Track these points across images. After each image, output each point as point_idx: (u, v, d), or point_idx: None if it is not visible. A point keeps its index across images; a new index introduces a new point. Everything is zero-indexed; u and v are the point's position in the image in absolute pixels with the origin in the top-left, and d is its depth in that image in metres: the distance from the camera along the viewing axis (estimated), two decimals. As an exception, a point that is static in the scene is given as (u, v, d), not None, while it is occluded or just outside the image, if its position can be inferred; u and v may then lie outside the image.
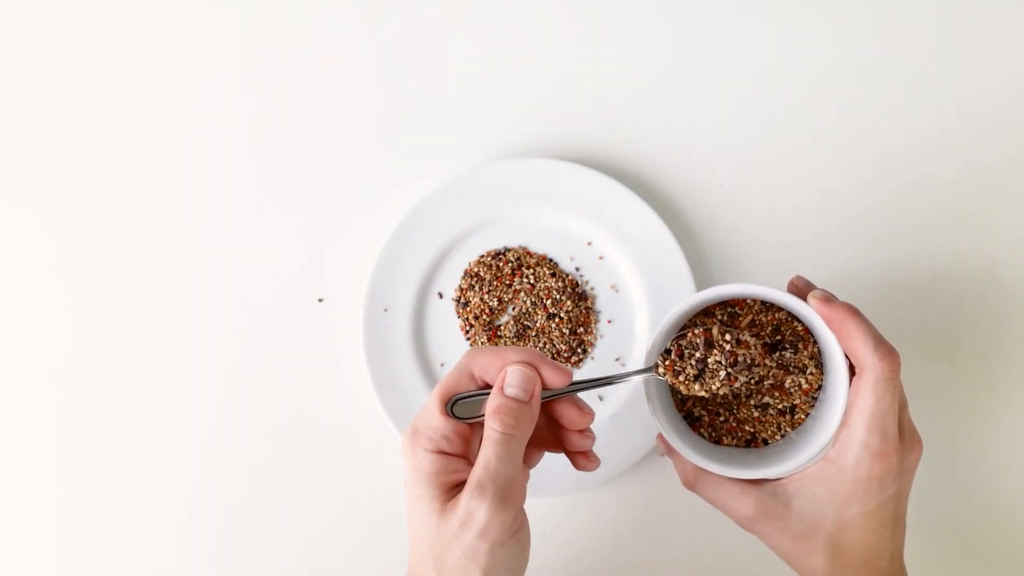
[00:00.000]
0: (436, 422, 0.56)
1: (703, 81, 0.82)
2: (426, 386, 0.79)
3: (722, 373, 0.61)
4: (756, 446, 0.64)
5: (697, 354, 0.61)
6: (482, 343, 0.79)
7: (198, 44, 0.84)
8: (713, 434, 0.65)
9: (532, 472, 0.76)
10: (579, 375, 0.80)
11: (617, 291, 0.80)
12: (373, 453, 0.80)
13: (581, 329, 0.80)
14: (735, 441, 0.64)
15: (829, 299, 0.59)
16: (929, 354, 0.79)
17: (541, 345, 0.79)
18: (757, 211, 0.81)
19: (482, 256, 0.80)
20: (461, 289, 0.80)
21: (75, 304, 0.83)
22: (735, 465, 0.61)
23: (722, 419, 0.65)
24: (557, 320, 0.79)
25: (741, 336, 0.61)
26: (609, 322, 0.80)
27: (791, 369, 0.63)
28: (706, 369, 0.61)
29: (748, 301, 0.64)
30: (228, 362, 0.82)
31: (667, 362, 0.62)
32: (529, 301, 0.80)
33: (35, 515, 0.82)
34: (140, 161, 0.84)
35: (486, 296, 0.79)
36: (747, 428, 0.64)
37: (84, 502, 0.82)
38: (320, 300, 0.82)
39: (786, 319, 0.63)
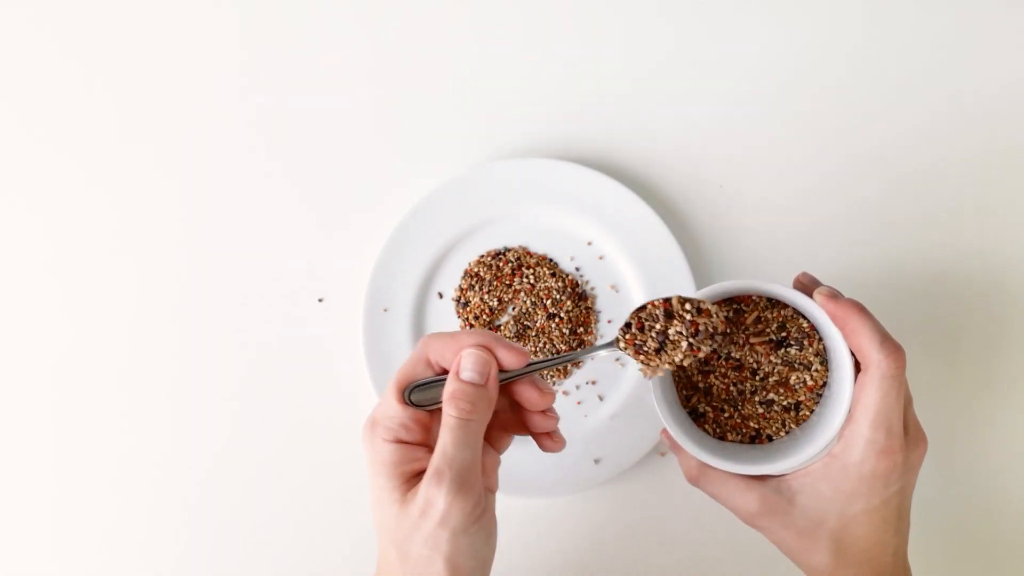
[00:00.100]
0: (393, 411, 0.56)
1: (703, 81, 0.82)
2: (426, 386, 0.79)
3: (684, 344, 0.61)
4: (760, 442, 0.64)
5: (657, 326, 0.61)
6: (482, 343, 0.79)
7: (198, 44, 0.84)
8: (717, 430, 0.65)
9: (533, 472, 0.76)
10: (574, 373, 0.80)
11: (617, 291, 0.80)
12: (373, 453, 0.80)
13: (581, 329, 0.80)
14: (739, 437, 0.64)
15: (835, 296, 0.59)
16: (930, 352, 0.80)
17: (541, 345, 0.79)
18: (757, 211, 0.81)
19: (482, 256, 0.80)
20: (461, 289, 0.80)
21: (75, 304, 0.83)
22: (739, 461, 0.61)
23: (726, 415, 0.65)
24: (557, 320, 0.79)
25: (702, 305, 0.61)
26: (609, 322, 0.80)
27: (796, 366, 0.63)
28: (667, 341, 0.61)
29: (753, 298, 0.64)
30: (228, 362, 0.82)
31: (627, 336, 0.62)
32: (529, 301, 0.80)
33: (36, 514, 0.82)
34: (140, 161, 0.84)
35: (486, 296, 0.79)
36: (751, 424, 0.64)
37: (84, 502, 0.82)
38: (320, 300, 0.82)
39: (791, 316, 0.63)
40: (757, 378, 0.64)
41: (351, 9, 0.83)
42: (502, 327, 0.79)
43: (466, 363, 0.56)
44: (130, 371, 0.82)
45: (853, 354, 0.59)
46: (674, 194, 0.81)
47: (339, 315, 0.81)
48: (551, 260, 0.80)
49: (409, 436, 0.56)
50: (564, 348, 0.79)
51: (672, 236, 0.78)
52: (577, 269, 0.80)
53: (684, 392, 0.66)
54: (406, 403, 0.56)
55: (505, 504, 0.79)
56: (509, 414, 0.61)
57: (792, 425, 0.64)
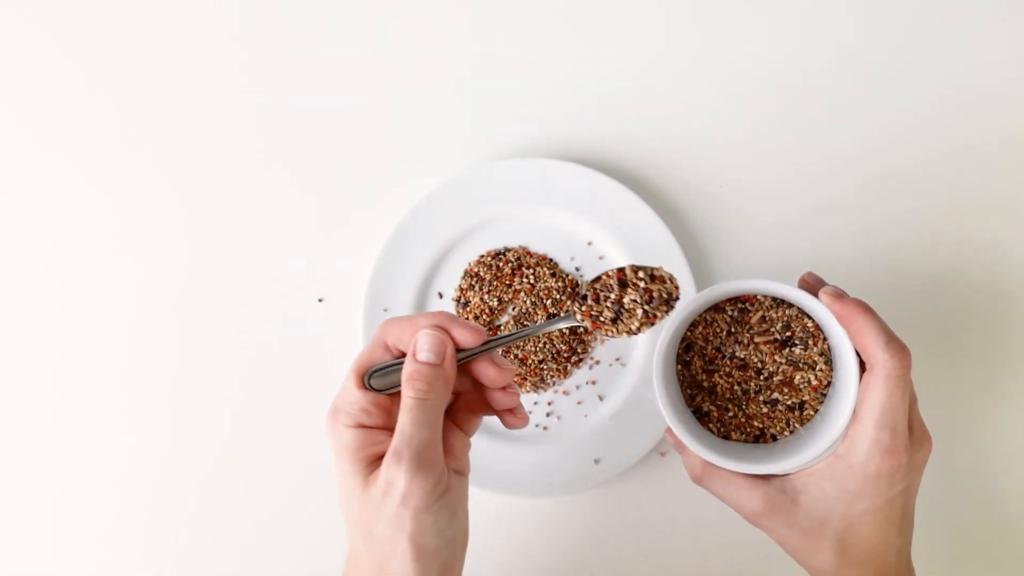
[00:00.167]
0: (353, 396, 0.57)
1: (703, 81, 0.82)
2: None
3: (639, 311, 0.62)
4: (765, 442, 0.64)
5: (612, 295, 0.62)
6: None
7: (198, 44, 0.84)
8: (722, 429, 0.65)
9: (534, 472, 0.76)
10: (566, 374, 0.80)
11: (617, 291, 0.80)
12: (373, 453, 0.80)
13: (581, 329, 0.80)
14: (744, 437, 0.65)
15: (840, 295, 0.59)
16: (931, 352, 0.80)
17: (541, 345, 0.79)
18: (757, 211, 0.81)
19: (482, 256, 0.80)
20: (461, 289, 0.80)
21: (75, 304, 0.83)
22: (743, 460, 0.61)
23: (731, 415, 0.65)
24: (557, 320, 0.79)
25: (656, 272, 0.63)
26: (609, 322, 0.80)
27: (800, 365, 0.63)
28: (623, 310, 0.62)
29: (759, 297, 0.64)
30: (228, 362, 0.82)
31: (583, 307, 0.63)
32: (529, 301, 0.80)
33: (36, 514, 0.82)
34: (140, 161, 0.83)
35: (486, 296, 0.79)
36: (756, 424, 0.64)
37: (84, 501, 0.82)
38: (320, 300, 0.82)
39: (796, 315, 0.64)
40: (761, 377, 0.64)
41: (351, 9, 0.83)
42: (502, 327, 0.79)
43: (422, 344, 0.56)
44: (130, 371, 0.82)
45: (858, 354, 0.59)
46: (674, 194, 0.81)
47: (339, 315, 0.81)
48: (551, 260, 0.80)
49: (370, 420, 0.56)
50: (564, 348, 0.79)
51: (672, 236, 0.78)
52: (577, 269, 0.80)
53: (688, 391, 0.66)
54: (366, 388, 0.57)
55: (506, 504, 0.80)
56: (474, 395, 0.61)
57: (796, 425, 0.64)
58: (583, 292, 0.63)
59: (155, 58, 0.84)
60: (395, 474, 0.53)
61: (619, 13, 0.82)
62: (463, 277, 0.80)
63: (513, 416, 0.61)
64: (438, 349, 0.56)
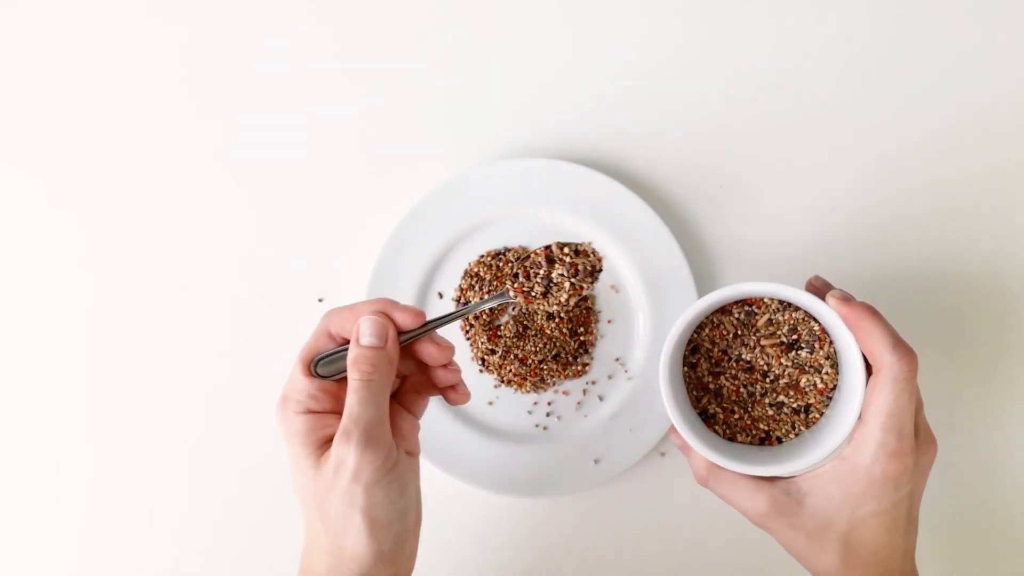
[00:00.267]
0: (301, 384, 0.59)
1: (704, 81, 0.82)
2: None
3: (567, 284, 0.68)
4: (770, 444, 0.65)
5: (541, 271, 0.68)
6: (482, 343, 0.79)
7: (199, 44, 0.83)
8: (727, 431, 0.65)
9: (534, 472, 0.76)
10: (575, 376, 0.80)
11: (617, 291, 0.80)
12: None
13: (581, 329, 0.80)
14: (749, 439, 0.65)
15: (848, 299, 0.60)
16: (934, 354, 0.80)
17: (542, 345, 0.79)
18: (757, 211, 0.81)
19: (482, 256, 0.80)
20: (461, 289, 0.80)
21: (75, 303, 0.82)
22: (749, 462, 0.61)
23: (736, 417, 0.65)
24: (557, 320, 0.79)
25: (580, 247, 0.69)
26: (609, 322, 0.80)
27: (807, 368, 0.64)
28: (552, 284, 0.68)
29: (765, 300, 0.64)
30: (228, 362, 0.82)
31: (516, 284, 0.69)
32: (529, 301, 0.80)
33: (36, 513, 0.82)
34: (141, 161, 0.83)
35: (486, 296, 0.79)
36: (761, 426, 0.65)
37: (83, 500, 0.82)
38: (320, 300, 0.81)
39: (803, 318, 0.64)
40: (767, 380, 0.64)
41: (351, 9, 0.83)
42: (502, 327, 0.79)
43: (364, 329, 0.59)
44: (129, 371, 0.82)
45: (864, 357, 0.59)
46: (674, 194, 0.81)
47: (339, 315, 0.81)
48: (551, 260, 0.80)
49: (318, 406, 0.59)
50: (564, 348, 0.79)
51: (672, 236, 0.78)
52: (577, 269, 0.80)
53: (695, 393, 0.66)
54: (313, 375, 0.59)
55: (506, 504, 0.80)
56: (418, 376, 0.64)
57: (802, 427, 0.64)
58: (515, 271, 0.69)
59: (156, 59, 0.84)
60: (345, 451, 0.55)
61: (619, 13, 0.82)
62: (463, 277, 0.80)
63: (455, 392, 0.64)
64: (380, 332, 0.59)
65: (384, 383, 0.58)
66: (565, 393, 0.80)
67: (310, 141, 0.82)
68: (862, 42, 0.82)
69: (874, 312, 0.59)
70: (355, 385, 0.57)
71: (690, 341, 0.66)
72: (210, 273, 0.82)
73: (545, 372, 0.79)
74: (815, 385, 0.63)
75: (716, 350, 0.65)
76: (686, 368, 0.66)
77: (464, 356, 0.80)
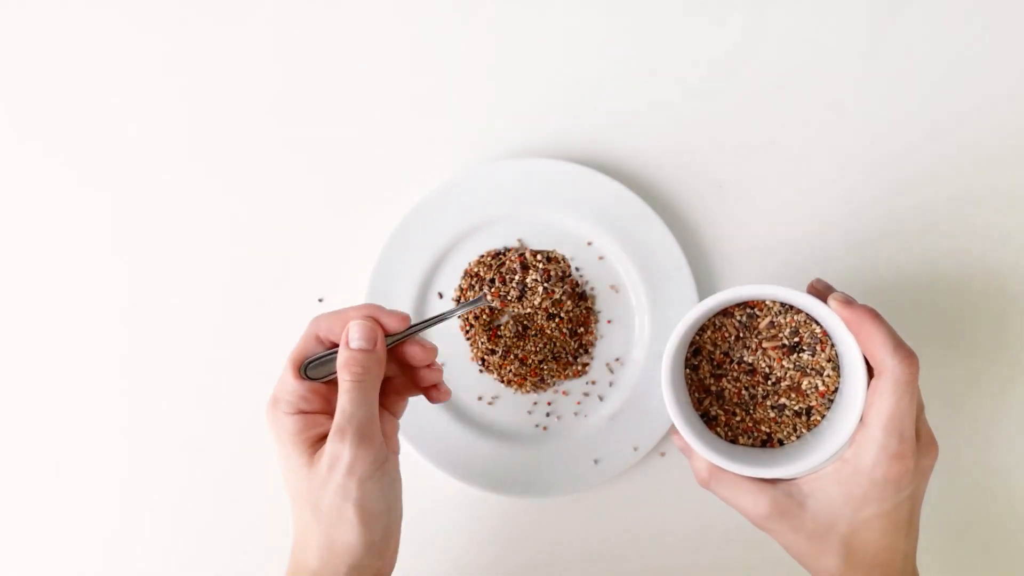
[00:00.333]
0: (292, 386, 0.62)
1: (704, 81, 0.82)
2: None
3: (540, 288, 0.73)
4: (772, 446, 0.65)
5: (517, 277, 0.73)
6: (482, 343, 0.79)
7: (200, 45, 0.83)
8: (729, 433, 0.65)
9: (533, 472, 0.77)
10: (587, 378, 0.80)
11: (617, 291, 0.80)
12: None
13: (581, 329, 0.80)
14: (751, 441, 0.65)
15: (849, 302, 0.60)
16: (934, 356, 0.80)
17: (542, 345, 0.79)
18: (757, 211, 0.81)
19: (482, 256, 0.80)
20: (461, 289, 0.80)
21: (74, 304, 0.82)
22: (751, 464, 0.61)
23: (738, 419, 0.65)
24: (557, 320, 0.79)
25: (551, 254, 0.74)
26: (609, 322, 0.80)
27: (808, 371, 0.64)
28: (526, 288, 0.73)
29: (767, 302, 0.64)
30: (228, 362, 0.82)
31: (493, 289, 0.74)
32: (529, 301, 0.80)
33: (33, 512, 0.82)
34: (141, 162, 0.83)
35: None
36: (763, 428, 0.65)
37: (81, 500, 0.82)
38: (320, 300, 0.81)
39: (804, 321, 0.64)
40: (769, 383, 0.65)
41: (352, 9, 0.82)
42: (502, 327, 0.79)
43: (354, 333, 0.62)
44: (128, 370, 0.82)
45: (866, 360, 0.59)
46: (674, 194, 0.81)
47: (339, 315, 0.81)
48: (551, 260, 0.80)
49: (309, 406, 0.62)
50: (564, 348, 0.79)
51: (672, 236, 0.78)
52: (577, 269, 0.80)
53: (696, 395, 0.66)
54: (302, 378, 0.62)
55: (506, 504, 0.80)
56: (400, 378, 0.67)
57: (803, 430, 0.64)
58: (491, 276, 0.74)
59: (157, 59, 0.83)
60: (340, 448, 0.58)
61: (620, 13, 0.82)
62: (463, 277, 0.80)
63: (437, 391, 0.67)
64: (369, 336, 0.62)
65: (374, 383, 0.61)
66: (565, 393, 0.80)
67: (310, 141, 0.82)
68: (864, 44, 0.82)
69: (875, 315, 0.59)
70: (347, 386, 0.60)
71: (692, 343, 0.66)
72: (210, 273, 0.82)
73: (545, 372, 0.79)
74: (817, 388, 0.64)
75: (718, 352, 0.66)
76: (688, 370, 0.66)
77: (464, 356, 0.80)
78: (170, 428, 0.82)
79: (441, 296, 0.80)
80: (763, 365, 0.65)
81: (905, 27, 0.82)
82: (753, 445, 0.65)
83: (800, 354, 0.64)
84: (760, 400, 0.65)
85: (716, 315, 0.65)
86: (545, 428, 0.80)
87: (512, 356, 0.79)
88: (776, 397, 0.64)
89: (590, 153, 0.81)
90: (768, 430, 0.65)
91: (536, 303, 0.74)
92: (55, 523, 0.82)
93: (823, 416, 0.64)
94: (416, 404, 0.73)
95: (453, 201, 0.79)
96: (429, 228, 0.79)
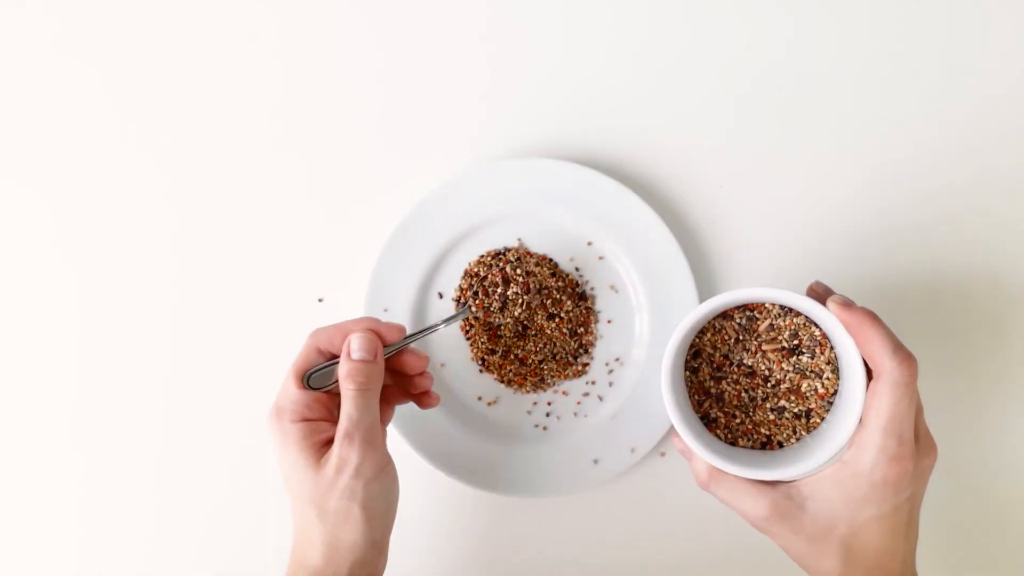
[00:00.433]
0: (295, 396, 0.64)
1: (704, 81, 0.82)
2: (426, 386, 0.79)
3: (520, 300, 0.76)
4: (771, 448, 0.65)
5: (499, 290, 0.76)
6: (482, 343, 0.79)
7: (201, 45, 0.83)
8: (729, 435, 0.65)
9: (534, 472, 0.77)
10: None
11: (617, 291, 0.80)
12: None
13: (581, 329, 0.80)
14: (751, 443, 0.65)
15: (848, 304, 0.60)
16: (933, 358, 0.80)
17: (541, 345, 0.79)
18: (757, 211, 0.81)
19: (482, 256, 0.80)
20: (461, 289, 0.80)
21: (75, 304, 0.82)
22: (750, 466, 0.61)
23: (738, 421, 0.65)
24: (557, 320, 0.79)
25: (528, 268, 0.77)
26: (609, 322, 0.80)
27: (808, 373, 0.64)
28: (507, 300, 0.76)
29: (767, 305, 0.64)
30: (228, 362, 0.82)
31: (476, 300, 0.77)
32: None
33: (33, 512, 0.82)
34: (142, 161, 0.83)
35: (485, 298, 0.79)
36: (763, 431, 0.65)
37: (81, 500, 0.82)
38: (320, 300, 0.81)
39: (804, 324, 0.64)
40: (769, 385, 0.65)
41: (352, 9, 0.82)
42: (502, 327, 0.79)
43: (355, 345, 0.64)
44: (128, 370, 0.82)
45: (865, 362, 0.59)
46: (674, 194, 0.81)
47: (339, 315, 0.81)
48: (551, 260, 0.80)
49: (312, 414, 0.64)
50: (564, 348, 0.79)
51: (672, 236, 0.78)
52: (577, 269, 0.80)
53: (696, 397, 0.66)
54: (305, 387, 0.65)
55: (506, 504, 0.80)
56: (392, 387, 0.71)
57: (803, 432, 0.64)
58: (475, 289, 0.77)
59: (157, 59, 0.83)
60: (348, 452, 0.62)
61: (620, 13, 0.82)
62: (463, 277, 0.80)
63: (428, 397, 0.71)
64: (371, 347, 0.65)
65: (376, 392, 0.65)
66: (565, 393, 0.80)
67: (310, 141, 0.82)
68: (865, 47, 0.82)
69: (874, 317, 0.59)
70: (351, 394, 0.63)
71: (692, 346, 0.66)
72: (210, 273, 0.82)
73: (545, 372, 0.79)
74: (816, 390, 0.64)
75: (718, 355, 0.66)
76: (688, 373, 0.66)
77: (464, 356, 0.80)
78: (170, 428, 0.82)
79: (441, 296, 0.80)
80: (763, 367, 0.65)
81: (906, 28, 0.82)
82: (753, 447, 0.65)
83: (799, 356, 0.64)
84: (760, 402, 0.65)
85: (716, 318, 0.65)
86: (545, 428, 0.80)
87: (512, 356, 0.79)
88: (776, 399, 0.64)
89: (590, 153, 0.81)
90: (768, 432, 0.65)
91: (516, 313, 0.77)
92: (55, 523, 0.82)
93: (822, 418, 0.64)
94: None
95: (453, 201, 0.79)
96: (429, 228, 0.79)
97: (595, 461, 0.78)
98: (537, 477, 0.78)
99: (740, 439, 0.65)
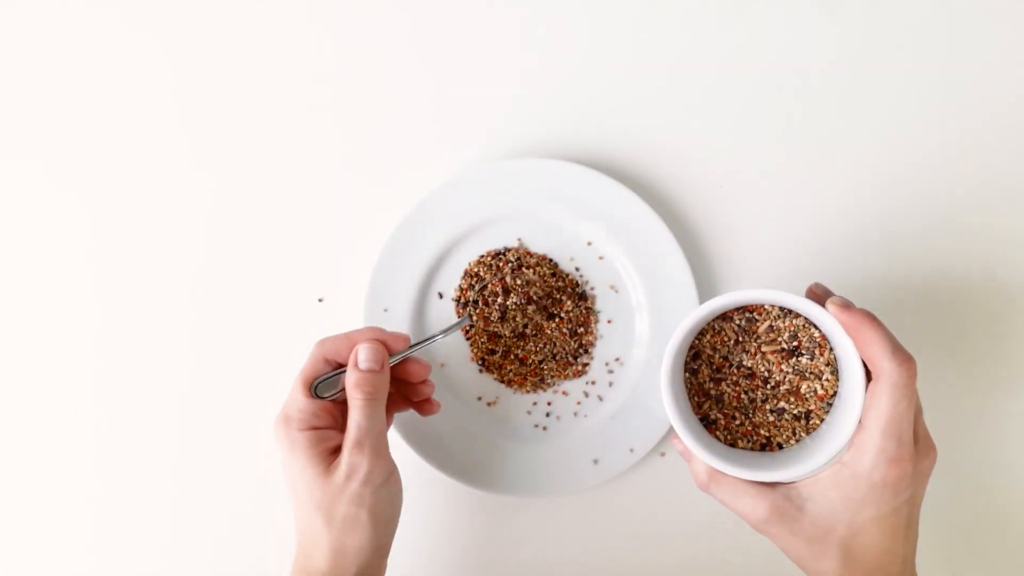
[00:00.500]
0: (303, 404, 0.66)
1: (703, 81, 0.82)
2: (426, 386, 0.79)
3: (520, 310, 0.77)
4: (771, 450, 0.65)
5: (499, 300, 0.77)
6: (482, 343, 0.79)
7: (202, 44, 0.83)
8: (728, 437, 0.65)
9: (534, 472, 0.77)
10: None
11: (617, 291, 0.80)
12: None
13: (581, 329, 0.80)
14: (750, 445, 0.65)
15: (847, 306, 0.60)
16: (932, 359, 0.80)
17: (541, 345, 0.79)
18: (757, 211, 0.81)
19: (482, 256, 0.80)
20: (461, 289, 0.80)
21: (74, 304, 0.82)
22: (750, 468, 0.61)
23: (737, 423, 0.65)
24: (557, 320, 0.79)
25: (528, 278, 0.77)
26: (609, 322, 0.80)
27: (807, 375, 0.64)
28: (507, 310, 0.77)
29: (766, 307, 0.64)
30: (228, 362, 0.82)
31: (477, 311, 0.78)
32: (529, 301, 0.80)
33: (32, 513, 0.82)
34: (140, 162, 0.83)
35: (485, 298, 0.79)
36: (762, 432, 0.65)
37: (79, 500, 0.82)
38: (320, 300, 0.81)
39: (803, 325, 0.64)
40: (768, 386, 0.65)
41: (353, 9, 0.82)
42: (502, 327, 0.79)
43: (363, 356, 0.66)
44: (128, 370, 0.82)
45: (864, 363, 0.59)
46: (674, 194, 0.81)
47: (339, 315, 0.81)
48: (551, 260, 0.80)
49: (320, 422, 0.66)
50: (564, 348, 0.79)
51: (672, 236, 0.78)
52: (577, 269, 0.80)
53: (696, 399, 0.66)
54: (313, 396, 0.66)
55: (505, 504, 0.80)
56: (393, 395, 0.72)
57: (802, 433, 0.64)
58: (475, 298, 0.78)
59: (158, 58, 0.83)
60: (359, 460, 0.63)
61: (620, 13, 0.82)
62: (463, 277, 0.80)
63: (429, 404, 0.73)
64: (378, 358, 0.67)
65: (383, 401, 0.67)
66: (565, 393, 0.80)
67: (311, 141, 0.82)
68: (865, 48, 0.82)
69: (873, 319, 0.59)
70: (360, 404, 0.65)
71: (691, 347, 0.66)
72: (210, 273, 0.82)
73: (545, 372, 0.80)
74: (815, 391, 0.64)
75: (717, 356, 0.66)
76: (687, 374, 0.66)
77: (464, 356, 0.80)
78: (170, 427, 0.82)
79: (441, 296, 0.80)
80: (762, 369, 0.65)
81: (906, 28, 0.82)
82: (752, 449, 0.65)
83: (799, 358, 0.64)
84: (759, 404, 0.65)
85: (715, 319, 0.65)
86: (545, 428, 0.80)
87: (512, 356, 0.79)
88: (775, 401, 0.65)
89: (590, 153, 0.81)
90: (767, 434, 0.65)
91: (515, 325, 0.78)
92: (54, 524, 0.82)
93: (822, 420, 0.64)
94: (416, 405, 0.73)
95: (453, 201, 0.79)
96: (429, 228, 0.79)
97: (595, 461, 0.78)
98: (537, 477, 0.78)
99: (739, 440, 0.65)
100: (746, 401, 0.65)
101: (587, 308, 0.80)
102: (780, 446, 0.65)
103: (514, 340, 0.79)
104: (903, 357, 0.58)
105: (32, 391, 0.82)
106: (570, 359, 0.80)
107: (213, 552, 0.82)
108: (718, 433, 0.65)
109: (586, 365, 0.80)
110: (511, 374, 0.79)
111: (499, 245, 0.80)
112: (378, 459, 0.64)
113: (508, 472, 0.78)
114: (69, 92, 0.83)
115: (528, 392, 0.80)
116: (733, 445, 0.65)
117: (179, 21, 0.83)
